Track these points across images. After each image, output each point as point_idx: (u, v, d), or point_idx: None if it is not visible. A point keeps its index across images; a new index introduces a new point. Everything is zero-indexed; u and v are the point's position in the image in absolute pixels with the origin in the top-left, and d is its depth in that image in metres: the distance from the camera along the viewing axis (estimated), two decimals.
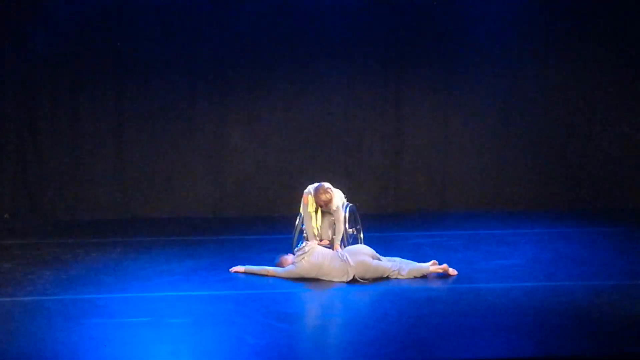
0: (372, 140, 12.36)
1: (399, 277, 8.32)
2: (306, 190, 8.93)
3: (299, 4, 12.08)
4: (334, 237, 8.83)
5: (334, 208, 8.78)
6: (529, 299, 7.70)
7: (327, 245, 8.75)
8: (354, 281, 8.26)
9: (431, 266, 8.45)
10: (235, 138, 12.24)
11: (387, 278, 8.31)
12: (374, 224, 10.92)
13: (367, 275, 8.28)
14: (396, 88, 12.35)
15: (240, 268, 8.64)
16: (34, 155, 11.94)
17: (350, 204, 9.11)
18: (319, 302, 7.91)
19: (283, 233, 10.44)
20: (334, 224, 8.85)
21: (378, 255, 8.50)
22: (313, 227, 8.84)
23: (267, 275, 8.48)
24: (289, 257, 8.53)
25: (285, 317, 7.25)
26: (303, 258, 8.34)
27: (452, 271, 8.47)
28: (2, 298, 7.81)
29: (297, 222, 9.11)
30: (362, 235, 9.18)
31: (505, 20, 12.28)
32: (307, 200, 8.86)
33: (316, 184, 8.88)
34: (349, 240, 8.98)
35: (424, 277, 8.37)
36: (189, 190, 12.21)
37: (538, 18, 12.32)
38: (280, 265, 8.53)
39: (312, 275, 8.31)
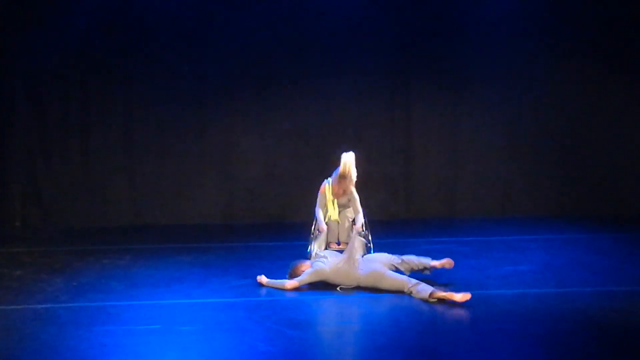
0: (382, 148, 12.36)
1: (412, 294, 8.08)
2: (323, 183, 9.04)
3: (309, 13, 12.10)
4: (354, 226, 8.94)
5: (353, 183, 8.94)
6: (540, 305, 7.69)
7: (342, 249, 8.78)
8: (361, 288, 8.25)
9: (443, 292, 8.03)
10: (245, 145, 12.26)
11: (400, 292, 8.16)
12: (385, 230, 10.92)
13: (379, 286, 8.20)
14: (405, 96, 12.37)
15: (263, 279, 8.46)
16: (44, 163, 11.97)
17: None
18: (329, 309, 7.90)
19: (293, 239, 10.45)
20: (351, 226, 8.94)
21: (397, 258, 8.44)
22: (329, 215, 8.96)
23: (284, 288, 8.31)
24: (303, 264, 8.47)
25: (297, 324, 7.25)
26: (320, 260, 8.35)
27: (461, 297, 7.87)
28: (13, 305, 7.83)
29: (313, 226, 9.13)
30: (370, 238, 9.21)
31: (514, 28, 12.29)
32: (324, 189, 8.98)
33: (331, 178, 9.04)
34: (367, 245, 9.04)
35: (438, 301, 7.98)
36: (199, 197, 12.23)
37: (547, 26, 12.31)
38: (293, 271, 8.48)
39: (324, 277, 8.28)
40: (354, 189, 9.04)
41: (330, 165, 12.11)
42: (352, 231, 8.88)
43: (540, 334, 6.91)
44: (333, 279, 8.28)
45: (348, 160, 8.91)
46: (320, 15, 12.12)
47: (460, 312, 7.57)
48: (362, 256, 8.59)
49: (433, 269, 8.54)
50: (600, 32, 12.33)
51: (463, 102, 12.42)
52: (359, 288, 8.24)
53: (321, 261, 8.36)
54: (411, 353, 6.52)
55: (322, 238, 8.91)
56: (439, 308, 7.71)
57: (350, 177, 8.92)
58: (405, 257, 8.51)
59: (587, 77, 12.43)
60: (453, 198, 12.49)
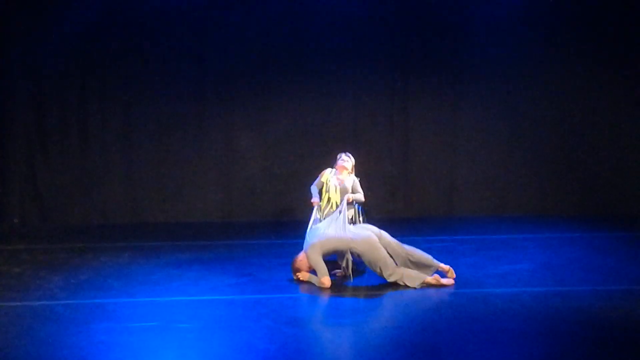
0: (381, 146, 12.36)
1: (398, 279, 8.21)
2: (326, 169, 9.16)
3: (308, 13, 12.09)
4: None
5: (352, 177, 9.00)
6: (538, 304, 7.69)
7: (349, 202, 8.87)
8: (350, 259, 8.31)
9: (429, 278, 8.29)
10: (244, 144, 12.26)
11: (380, 272, 8.22)
12: (383, 229, 10.89)
13: (369, 255, 8.18)
14: (404, 94, 12.37)
15: (305, 275, 8.48)
16: (43, 159, 11.97)
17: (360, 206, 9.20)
18: (327, 306, 7.90)
19: (291, 237, 10.44)
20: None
21: (395, 241, 8.44)
22: (329, 196, 8.96)
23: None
24: (298, 257, 8.48)
25: (294, 321, 7.25)
26: (309, 237, 8.40)
27: (447, 281, 8.29)
28: (11, 302, 7.83)
29: (310, 221, 9.15)
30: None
31: (513, 26, 12.28)
32: (324, 173, 9.08)
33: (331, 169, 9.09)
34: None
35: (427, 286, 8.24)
36: (197, 195, 12.23)
37: (545, 26, 12.31)
38: (294, 266, 8.49)
39: (320, 249, 8.27)
40: (356, 179, 9.09)
41: (327, 165, 12.16)
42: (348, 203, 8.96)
43: (538, 332, 6.91)
44: (327, 246, 8.27)
45: (346, 157, 9.03)
46: (319, 15, 12.12)
47: (458, 310, 7.57)
48: (354, 224, 8.54)
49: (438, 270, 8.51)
50: (600, 31, 12.32)
51: (462, 101, 12.42)
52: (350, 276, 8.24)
53: (310, 237, 8.39)
54: (409, 351, 6.52)
55: (315, 214, 8.93)
56: (437, 306, 7.72)
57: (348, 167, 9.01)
58: (409, 248, 8.48)
59: (587, 76, 12.42)
60: (452, 196, 12.49)
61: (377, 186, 12.29)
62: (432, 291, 8.10)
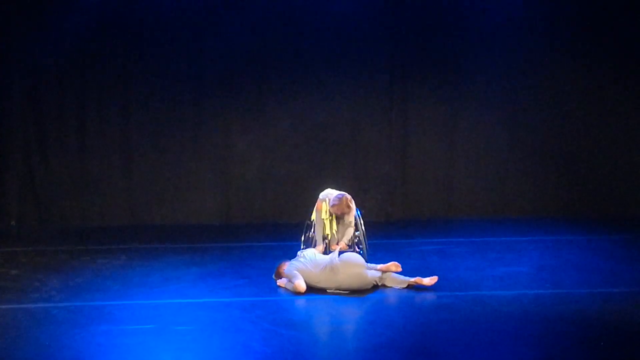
0: (379, 148, 12.35)
1: (385, 283, 8.23)
2: (321, 197, 8.97)
3: (305, 12, 12.07)
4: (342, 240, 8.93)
5: (350, 219, 8.84)
6: (536, 306, 7.69)
7: (343, 249, 8.71)
8: (339, 291, 8.22)
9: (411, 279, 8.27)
10: (242, 145, 12.25)
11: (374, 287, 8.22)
12: (381, 231, 10.93)
13: (362, 287, 8.16)
14: (402, 95, 12.35)
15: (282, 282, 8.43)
16: (41, 162, 11.96)
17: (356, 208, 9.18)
18: (325, 309, 7.89)
19: (289, 240, 10.43)
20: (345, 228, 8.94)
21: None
22: (325, 233, 8.85)
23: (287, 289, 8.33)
24: (285, 263, 8.46)
25: (292, 324, 7.25)
26: (299, 261, 8.34)
27: (428, 281, 8.22)
28: (9, 305, 7.82)
29: (305, 228, 9.11)
30: (365, 240, 9.18)
31: (513, 25, 12.26)
32: (321, 207, 8.90)
33: (330, 190, 8.96)
34: (364, 247, 9.00)
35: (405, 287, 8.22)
36: (195, 197, 12.21)
37: (544, 27, 12.29)
38: (277, 272, 8.47)
39: (304, 277, 8.24)
40: (353, 219, 8.99)
41: (325, 166, 12.20)
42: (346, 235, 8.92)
43: (536, 335, 6.92)
44: (314, 280, 8.24)
45: (347, 209, 8.86)
46: (318, 15, 12.09)
47: (456, 313, 7.57)
48: (339, 255, 8.39)
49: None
50: (600, 31, 12.30)
51: (461, 102, 12.40)
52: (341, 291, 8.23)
53: (300, 262, 8.33)
54: (407, 353, 6.52)
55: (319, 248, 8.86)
56: (434, 308, 7.72)
57: (350, 211, 8.92)
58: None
59: (586, 77, 12.40)
60: (450, 198, 12.48)
61: (375, 187, 12.29)
62: (429, 293, 8.09)
